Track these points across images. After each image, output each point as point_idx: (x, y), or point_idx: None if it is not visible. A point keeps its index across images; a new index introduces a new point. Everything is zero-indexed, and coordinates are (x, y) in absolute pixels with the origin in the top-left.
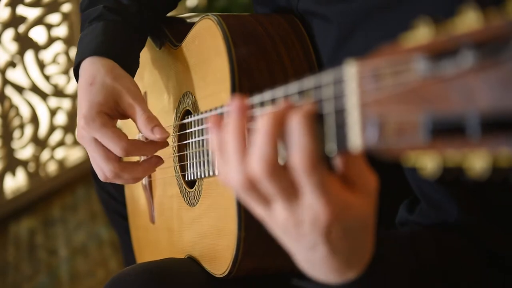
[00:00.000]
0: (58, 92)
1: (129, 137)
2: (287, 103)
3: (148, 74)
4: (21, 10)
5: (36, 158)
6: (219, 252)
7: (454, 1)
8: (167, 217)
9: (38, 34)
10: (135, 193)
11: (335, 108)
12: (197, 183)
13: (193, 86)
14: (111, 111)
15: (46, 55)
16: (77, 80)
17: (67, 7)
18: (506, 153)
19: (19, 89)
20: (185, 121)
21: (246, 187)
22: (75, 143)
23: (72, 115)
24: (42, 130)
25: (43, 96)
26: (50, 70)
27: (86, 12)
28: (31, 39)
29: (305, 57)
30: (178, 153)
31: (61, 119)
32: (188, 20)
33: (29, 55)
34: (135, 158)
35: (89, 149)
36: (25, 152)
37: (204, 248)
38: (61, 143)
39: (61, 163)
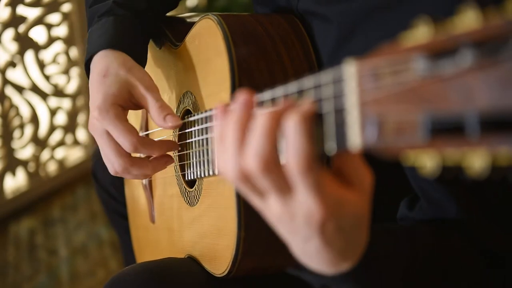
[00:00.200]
0: (58, 92)
1: None
2: (286, 103)
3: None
4: (21, 10)
5: (36, 158)
6: (219, 252)
7: (454, 1)
8: (167, 217)
9: (38, 34)
10: (135, 193)
11: (334, 107)
12: (197, 183)
13: (193, 85)
14: (125, 102)
15: (46, 55)
16: (87, 73)
17: (67, 7)
18: (505, 152)
19: (19, 89)
20: (185, 120)
21: (241, 179)
22: (75, 143)
23: (72, 115)
24: (42, 130)
25: (43, 96)
26: (50, 70)
27: (94, 7)
28: (31, 39)
29: (305, 57)
30: (178, 152)
31: (61, 119)
32: (188, 20)
33: (29, 55)
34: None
35: (100, 141)
36: (25, 152)
37: (204, 248)
38: (61, 143)
39: (61, 163)
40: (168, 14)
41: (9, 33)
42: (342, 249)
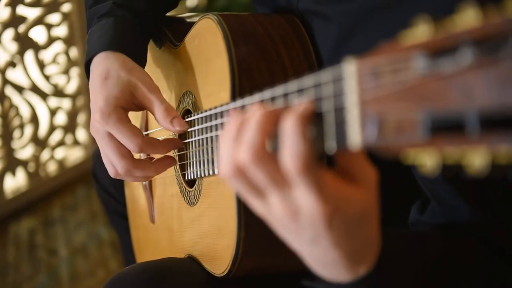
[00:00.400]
0: (58, 92)
1: None
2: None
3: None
4: (21, 10)
5: (36, 158)
6: (219, 252)
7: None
8: (167, 217)
9: (38, 34)
10: (135, 192)
11: (334, 106)
12: (197, 183)
13: (193, 85)
14: (127, 104)
15: (46, 55)
16: (87, 75)
17: (67, 7)
18: (505, 150)
19: (19, 89)
20: (186, 120)
21: (236, 173)
22: (75, 143)
23: (72, 115)
24: (42, 130)
25: (43, 96)
26: (50, 70)
27: (93, 8)
28: (31, 39)
29: (305, 57)
30: (178, 152)
31: (61, 119)
32: (188, 20)
33: (29, 55)
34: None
35: (102, 144)
36: (25, 152)
37: (204, 248)
38: (61, 143)
39: (61, 163)
40: (168, 14)
41: (9, 33)
42: (353, 249)
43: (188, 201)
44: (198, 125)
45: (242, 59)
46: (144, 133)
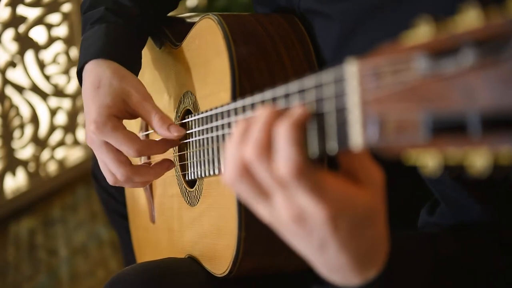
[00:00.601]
0: (58, 92)
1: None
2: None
3: (149, 74)
4: (21, 10)
5: (36, 158)
6: (219, 252)
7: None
8: (168, 217)
9: (38, 34)
10: (135, 193)
11: (336, 106)
12: (197, 183)
13: (193, 85)
14: (120, 113)
15: (46, 55)
16: (80, 82)
17: (67, 7)
18: (507, 151)
19: (19, 89)
20: (186, 120)
21: (241, 173)
22: (75, 143)
23: (72, 115)
24: (42, 130)
25: (43, 96)
26: (50, 70)
27: (87, 14)
28: (31, 39)
29: (305, 57)
30: (178, 152)
31: (61, 119)
32: (188, 20)
33: (29, 55)
34: (135, 161)
35: (99, 154)
36: (25, 152)
37: (205, 248)
38: (61, 143)
39: (61, 163)
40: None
41: (9, 33)
42: (361, 252)
43: (189, 201)
44: (198, 125)
45: (242, 59)
46: (145, 133)
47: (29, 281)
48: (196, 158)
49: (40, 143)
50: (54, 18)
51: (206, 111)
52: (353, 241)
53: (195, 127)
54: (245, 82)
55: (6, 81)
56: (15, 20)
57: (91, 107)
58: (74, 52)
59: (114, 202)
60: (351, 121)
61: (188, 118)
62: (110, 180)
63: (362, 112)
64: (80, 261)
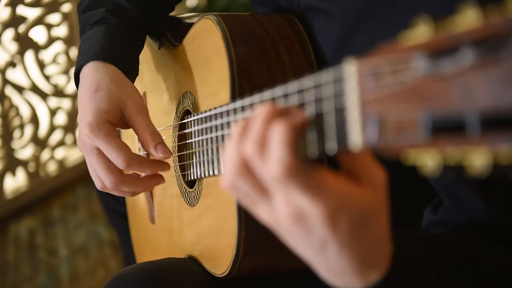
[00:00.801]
0: (58, 92)
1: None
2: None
3: (148, 74)
4: (21, 10)
5: (36, 158)
6: (219, 252)
7: None
8: (167, 217)
9: (38, 34)
10: None
11: (335, 106)
12: (197, 183)
13: (192, 86)
14: (115, 120)
15: (46, 55)
16: (76, 84)
17: (67, 7)
18: (506, 151)
19: (19, 89)
20: (185, 120)
21: (240, 171)
22: (75, 143)
23: (72, 115)
24: (42, 130)
25: (43, 96)
26: (50, 70)
27: (86, 14)
28: (31, 39)
29: (305, 57)
30: (178, 153)
31: (61, 119)
32: (188, 20)
33: (29, 55)
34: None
35: (90, 158)
36: (25, 152)
37: (204, 248)
38: (61, 143)
39: (61, 163)
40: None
41: (9, 33)
42: (363, 252)
43: (188, 201)
44: (198, 125)
45: (242, 59)
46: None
47: (29, 281)
48: (196, 158)
49: (40, 143)
50: (54, 18)
51: (206, 111)
52: (353, 241)
53: (194, 127)
54: (244, 82)
55: (6, 81)
56: (15, 20)
57: (86, 110)
58: (74, 52)
59: (114, 202)
60: (350, 121)
61: (188, 118)
62: (98, 185)
63: (361, 112)
64: (80, 261)
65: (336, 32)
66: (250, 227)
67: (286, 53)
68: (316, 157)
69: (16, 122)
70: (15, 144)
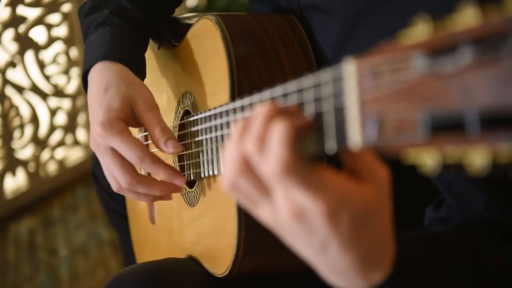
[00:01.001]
0: (58, 92)
1: None
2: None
3: (147, 74)
4: (21, 10)
5: (36, 158)
6: (219, 252)
7: None
8: (167, 217)
9: (38, 34)
10: None
11: (334, 106)
12: (197, 183)
13: (192, 86)
14: (127, 118)
15: (46, 55)
16: (85, 86)
17: (67, 7)
18: (506, 149)
19: (19, 89)
20: (185, 121)
21: (241, 169)
22: (75, 143)
23: (72, 115)
24: (42, 130)
25: (43, 96)
26: (50, 70)
27: (88, 18)
28: (31, 39)
29: (305, 57)
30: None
31: (61, 119)
32: (188, 20)
33: (29, 55)
34: None
35: (104, 158)
36: (25, 152)
37: (204, 248)
38: (61, 143)
39: (61, 163)
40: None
41: (9, 33)
42: (365, 251)
43: (188, 201)
44: (197, 125)
45: (241, 59)
46: (143, 134)
47: (29, 281)
48: (195, 158)
49: (40, 143)
50: (54, 18)
51: (205, 111)
52: (355, 239)
53: (194, 127)
54: (244, 82)
55: (6, 81)
56: (15, 20)
57: (97, 110)
58: (74, 52)
59: (114, 202)
60: (349, 121)
61: (187, 118)
62: (114, 187)
63: (361, 111)
64: (80, 261)
65: (336, 30)
66: (250, 227)
67: (285, 52)
68: (316, 156)
69: (16, 122)
70: (15, 144)
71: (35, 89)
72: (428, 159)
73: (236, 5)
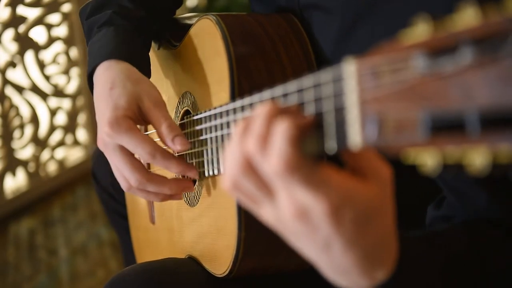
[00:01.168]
0: (58, 92)
1: None
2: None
3: None
4: (21, 10)
5: (36, 158)
6: (219, 252)
7: None
8: (167, 217)
9: (38, 34)
10: None
11: (334, 106)
12: (197, 183)
13: (192, 86)
14: (134, 116)
15: (46, 55)
16: (90, 86)
17: (67, 7)
18: (506, 149)
19: (19, 89)
20: (185, 120)
21: (243, 170)
22: (75, 143)
23: (72, 115)
24: (42, 130)
25: (43, 96)
26: (50, 70)
27: (91, 18)
28: (31, 39)
29: (304, 57)
30: (177, 153)
31: (61, 119)
32: (188, 20)
33: (29, 55)
34: None
35: (113, 158)
36: (25, 152)
37: (204, 248)
38: (61, 143)
39: (61, 163)
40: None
41: (9, 33)
42: (368, 250)
43: (188, 201)
44: (197, 125)
45: (241, 59)
46: (147, 133)
47: (29, 281)
48: (195, 158)
49: (40, 143)
50: (54, 18)
51: (205, 111)
52: (358, 238)
53: (194, 127)
54: (244, 82)
55: (6, 81)
56: (15, 20)
57: (104, 109)
58: (74, 52)
59: (114, 202)
60: (349, 121)
61: (187, 118)
62: (124, 186)
63: (361, 111)
64: (80, 261)
65: (336, 29)
66: (250, 227)
67: (285, 52)
68: (316, 156)
69: (16, 122)
70: (15, 144)
71: (35, 89)
72: (428, 159)
73: (236, 5)
